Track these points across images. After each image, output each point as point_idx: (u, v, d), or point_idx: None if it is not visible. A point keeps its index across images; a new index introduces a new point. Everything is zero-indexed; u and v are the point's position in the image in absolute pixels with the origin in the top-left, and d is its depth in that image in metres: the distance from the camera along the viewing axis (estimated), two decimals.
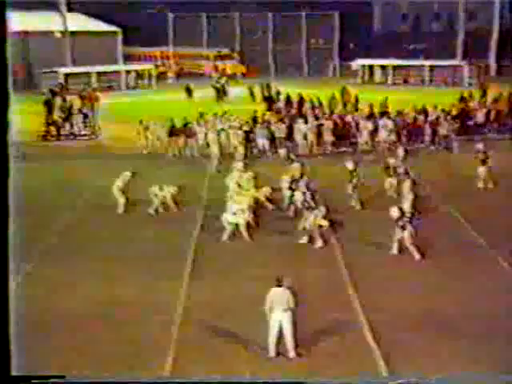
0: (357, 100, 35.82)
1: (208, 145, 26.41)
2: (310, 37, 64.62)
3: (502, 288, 13.72)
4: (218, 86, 45.96)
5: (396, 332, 11.84)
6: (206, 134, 26.96)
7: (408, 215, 16.06)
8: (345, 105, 36.17)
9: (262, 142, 27.17)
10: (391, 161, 19.31)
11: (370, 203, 19.62)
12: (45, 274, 14.82)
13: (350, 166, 19.57)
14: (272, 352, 11.04)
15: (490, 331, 11.78)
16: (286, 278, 11.22)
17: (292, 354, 11.01)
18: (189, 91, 45.37)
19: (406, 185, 18.50)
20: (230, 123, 28.04)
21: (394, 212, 15.75)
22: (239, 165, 20.69)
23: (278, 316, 10.95)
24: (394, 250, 15.71)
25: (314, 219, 16.31)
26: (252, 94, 43.85)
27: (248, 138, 26.94)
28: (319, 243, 16.35)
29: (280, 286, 11.08)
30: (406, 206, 17.38)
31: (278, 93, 38.86)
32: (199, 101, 42.15)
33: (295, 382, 10.35)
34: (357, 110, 31.59)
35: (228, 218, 17.00)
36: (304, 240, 16.53)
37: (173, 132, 27.65)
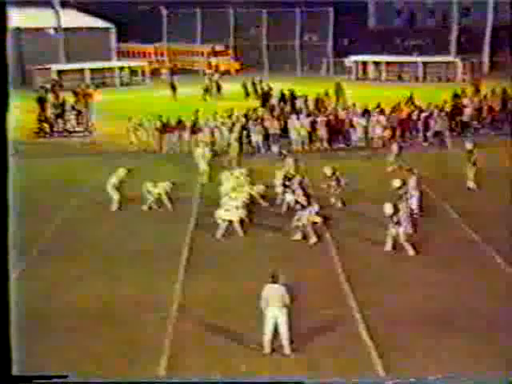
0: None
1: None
2: (304, 33, 64.52)
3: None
4: (210, 82, 45.76)
5: (391, 328, 11.89)
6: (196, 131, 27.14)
7: (416, 211, 16.25)
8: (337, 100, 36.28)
9: (256, 138, 27.17)
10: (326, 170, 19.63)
11: (357, 200, 19.69)
12: (41, 273, 14.80)
13: (328, 171, 19.36)
14: (267, 348, 11.05)
15: (487, 327, 11.83)
16: (280, 275, 11.24)
17: (288, 350, 11.01)
18: (173, 88, 45.13)
19: (412, 182, 18.38)
20: (223, 120, 28.01)
21: (388, 209, 15.78)
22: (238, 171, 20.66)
23: (274, 313, 10.95)
24: (388, 247, 15.75)
25: (308, 216, 16.35)
26: (246, 90, 43.76)
27: (241, 135, 27.02)
28: (313, 239, 16.39)
29: (275, 282, 11.09)
30: (413, 202, 17.42)
31: (270, 89, 38.73)
32: (185, 98, 42.10)
33: (295, 381, 10.35)
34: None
35: (221, 214, 17.00)
36: (298, 236, 16.57)
37: (166, 129, 27.64)
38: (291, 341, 11.05)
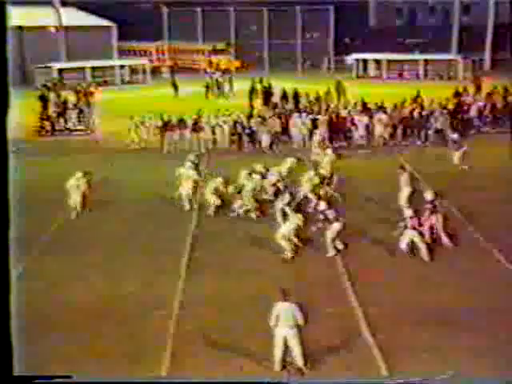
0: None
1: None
2: (305, 31, 64.51)
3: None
4: (211, 81, 45.65)
5: (394, 326, 11.87)
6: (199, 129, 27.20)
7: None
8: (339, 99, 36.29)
9: (262, 137, 27.01)
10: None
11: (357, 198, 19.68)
12: (42, 272, 14.79)
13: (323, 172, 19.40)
14: (278, 367, 10.47)
15: (490, 325, 11.79)
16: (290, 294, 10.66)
17: (304, 370, 10.43)
18: (175, 86, 45.03)
19: (404, 178, 18.46)
20: (225, 118, 28.01)
21: (408, 211, 15.55)
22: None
23: (283, 332, 10.33)
24: (425, 256, 15.19)
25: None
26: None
27: (240, 134, 27.06)
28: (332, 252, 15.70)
29: (286, 300, 10.50)
30: (402, 199, 17.39)
31: (270, 87, 38.59)
32: (186, 96, 42.05)
33: (295, 381, 10.31)
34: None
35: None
36: (333, 253, 15.50)
37: (167, 127, 27.63)
38: (305, 359, 10.49)
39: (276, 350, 10.43)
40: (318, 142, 25.47)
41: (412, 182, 18.68)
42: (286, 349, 10.45)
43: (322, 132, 27.42)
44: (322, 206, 15.85)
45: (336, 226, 15.38)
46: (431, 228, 15.70)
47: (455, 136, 24.29)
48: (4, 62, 6.02)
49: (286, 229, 15.26)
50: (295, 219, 15.31)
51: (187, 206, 18.94)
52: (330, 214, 15.53)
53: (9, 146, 6.34)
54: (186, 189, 18.97)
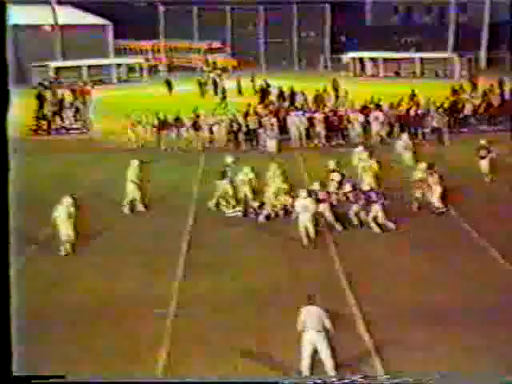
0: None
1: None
2: (302, 30, 64.54)
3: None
4: (204, 80, 45.53)
5: (391, 325, 11.88)
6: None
7: (438, 205, 17.72)
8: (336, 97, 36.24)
9: (267, 142, 26.96)
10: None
11: None
12: (41, 271, 14.78)
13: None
14: (306, 371, 10.29)
15: (489, 325, 11.76)
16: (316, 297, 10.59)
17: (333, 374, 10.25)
18: (169, 85, 44.94)
19: (434, 179, 18.54)
20: (222, 117, 28.03)
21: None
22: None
23: (311, 337, 10.16)
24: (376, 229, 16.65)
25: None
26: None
27: (236, 133, 27.10)
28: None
29: (312, 304, 10.40)
30: (434, 198, 18.06)
31: (268, 85, 38.65)
32: (185, 94, 42.06)
33: (295, 381, 10.30)
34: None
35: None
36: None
37: (163, 126, 27.61)
38: (336, 365, 10.30)
39: (304, 355, 10.25)
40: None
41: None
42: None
43: (319, 130, 27.52)
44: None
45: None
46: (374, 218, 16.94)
47: (482, 142, 22.32)
48: (4, 62, 6.02)
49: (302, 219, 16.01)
50: (305, 216, 15.99)
51: (126, 210, 18.73)
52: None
53: (9, 146, 6.33)
54: (131, 192, 18.70)
